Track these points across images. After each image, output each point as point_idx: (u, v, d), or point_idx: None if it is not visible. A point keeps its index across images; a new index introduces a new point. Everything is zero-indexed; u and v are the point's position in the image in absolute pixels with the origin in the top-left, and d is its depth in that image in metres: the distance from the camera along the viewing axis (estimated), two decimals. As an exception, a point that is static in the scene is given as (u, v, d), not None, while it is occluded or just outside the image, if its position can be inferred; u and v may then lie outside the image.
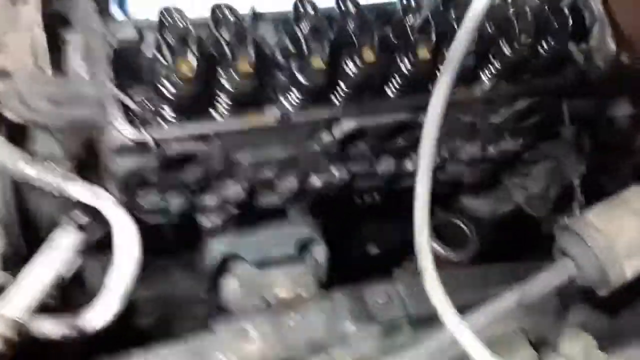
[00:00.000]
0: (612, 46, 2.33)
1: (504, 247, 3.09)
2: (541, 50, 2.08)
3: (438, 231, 2.45)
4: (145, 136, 1.64)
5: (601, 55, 2.34)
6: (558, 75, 2.25)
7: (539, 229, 2.86)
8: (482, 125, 2.25)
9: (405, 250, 3.12)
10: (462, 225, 2.51)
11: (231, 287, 2.20)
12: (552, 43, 2.07)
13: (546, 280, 1.73)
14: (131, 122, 1.65)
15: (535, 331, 2.11)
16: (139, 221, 1.87)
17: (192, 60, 1.58)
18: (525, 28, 1.96)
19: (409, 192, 2.46)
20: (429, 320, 1.98)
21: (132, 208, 1.85)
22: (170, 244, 2.14)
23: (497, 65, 2.07)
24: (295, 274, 2.23)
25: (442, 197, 2.68)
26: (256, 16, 1.83)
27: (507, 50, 2.01)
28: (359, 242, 3.00)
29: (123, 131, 1.63)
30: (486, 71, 2.10)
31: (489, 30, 2.02)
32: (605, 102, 2.30)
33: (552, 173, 2.68)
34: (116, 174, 1.73)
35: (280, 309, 1.97)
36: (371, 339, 1.89)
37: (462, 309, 1.99)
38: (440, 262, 2.44)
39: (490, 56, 2.07)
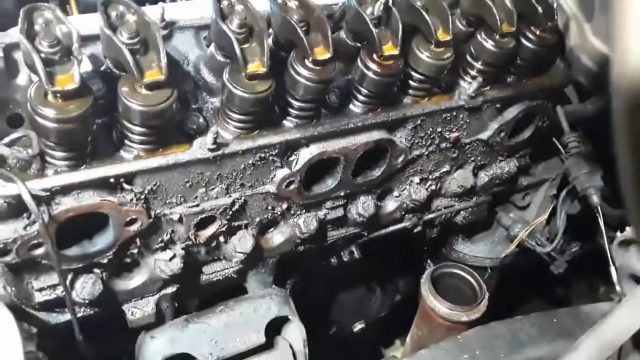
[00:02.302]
0: (595, 42, 2.01)
1: (513, 295, 2.63)
2: (526, 42, 1.71)
3: (439, 286, 1.96)
4: (20, 189, 1.12)
5: (586, 53, 2.00)
6: (545, 76, 1.89)
7: (547, 268, 2.42)
8: (471, 144, 1.83)
9: (395, 323, 2.65)
10: (469, 278, 2.03)
11: (181, 397, 1.61)
12: (538, 32, 1.70)
13: (622, 323, 1.22)
14: (-2, 171, 1.14)
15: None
16: (34, 321, 1.32)
17: (76, 73, 1.11)
18: (506, 15, 1.59)
19: (396, 242, 2.09)
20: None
21: (21, 302, 1.30)
22: (90, 353, 1.54)
23: (478, 65, 1.67)
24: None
25: (432, 243, 2.21)
26: (168, 24, 1.39)
27: (487, 44, 1.63)
28: (339, 316, 2.45)
29: (-14, 185, 1.12)
30: (466, 75, 1.71)
31: (463, 25, 1.64)
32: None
33: (554, 198, 2.27)
34: (-16, 252, 1.19)
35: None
36: None
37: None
38: (451, 324, 2.00)
39: (469, 56, 1.68)
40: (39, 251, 1.25)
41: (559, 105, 2.00)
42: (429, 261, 2.47)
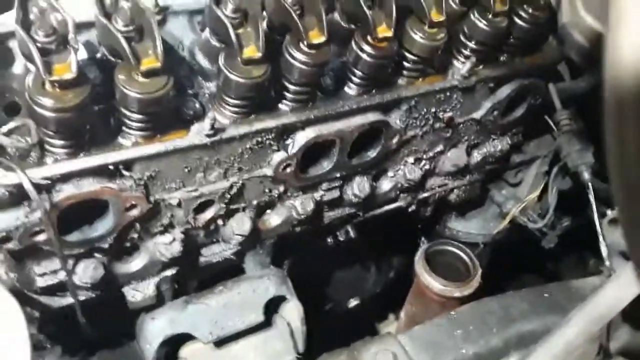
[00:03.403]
0: (587, 19, 2.02)
1: (505, 270, 2.68)
2: (519, 21, 1.72)
3: (432, 263, 2.00)
4: (21, 178, 1.14)
5: (578, 30, 2.01)
6: (538, 54, 1.90)
7: (539, 244, 2.46)
8: (464, 124, 1.85)
9: (389, 299, 2.70)
10: (462, 254, 2.07)
11: (182, 377, 1.65)
12: (530, 10, 1.71)
13: (611, 298, 1.27)
14: (-3, 160, 1.15)
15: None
16: (35, 305, 1.35)
17: (73, 62, 1.11)
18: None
19: (391, 221, 2.12)
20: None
21: (24, 287, 1.32)
22: (91, 335, 1.57)
23: (471, 44, 1.68)
24: (266, 346, 1.70)
25: (426, 221, 2.24)
26: (162, 9, 1.39)
27: (481, 23, 1.64)
28: (334, 293, 2.49)
29: (-14, 175, 1.13)
30: (460, 55, 1.72)
31: (456, 5, 1.64)
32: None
33: (546, 175, 2.30)
34: (-14, 240, 1.21)
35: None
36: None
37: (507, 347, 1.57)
38: (444, 300, 2.04)
39: (462, 36, 1.69)
40: (41, 238, 1.27)
41: (551, 83, 2.02)
42: (422, 239, 2.51)
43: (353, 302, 2.66)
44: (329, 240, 2.00)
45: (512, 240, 2.46)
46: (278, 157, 1.51)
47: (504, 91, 1.86)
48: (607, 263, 1.69)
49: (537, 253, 2.54)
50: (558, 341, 1.25)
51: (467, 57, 1.71)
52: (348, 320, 2.69)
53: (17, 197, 1.20)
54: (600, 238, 1.82)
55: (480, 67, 1.75)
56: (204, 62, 1.43)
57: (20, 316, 1.24)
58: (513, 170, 2.31)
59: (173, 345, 1.68)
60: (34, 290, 1.39)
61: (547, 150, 2.25)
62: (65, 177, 1.22)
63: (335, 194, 1.72)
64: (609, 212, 1.37)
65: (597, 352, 1.66)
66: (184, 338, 1.67)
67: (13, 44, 1.26)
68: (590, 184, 1.98)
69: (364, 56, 1.47)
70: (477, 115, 1.85)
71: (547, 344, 1.26)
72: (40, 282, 1.37)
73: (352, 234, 2.00)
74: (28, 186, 1.15)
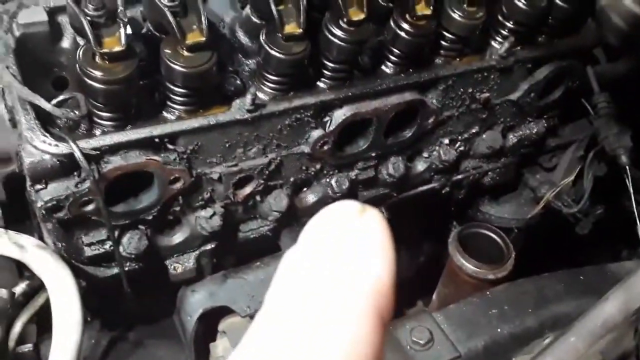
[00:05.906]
0: (626, 1, 2.00)
1: (538, 256, 2.66)
2: (558, 1, 1.71)
3: (466, 246, 2.00)
4: (73, 147, 1.18)
5: (617, 12, 2.00)
6: (576, 36, 1.88)
7: (572, 230, 2.44)
8: (501, 105, 1.84)
9: (418, 284, 2.70)
10: (496, 238, 2.06)
11: (220, 349, 1.69)
12: (570, -9, 1.70)
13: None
14: (49, 131, 1.20)
15: (615, 352, 1.64)
16: (83, 275, 1.40)
17: (122, 35, 1.15)
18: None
19: (424, 204, 2.13)
20: (482, 356, 1.53)
21: (71, 257, 1.37)
22: (134, 304, 1.63)
23: (510, 24, 1.68)
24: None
25: (459, 204, 2.24)
26: (205, -13, 1.41)
27: (519, 3, 1.63)
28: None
29: (39, 144, 1.17)
30: (497, 35, 1.71)
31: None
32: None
33: (581, 160, 2.27)
34: (38, 208, 1.25)
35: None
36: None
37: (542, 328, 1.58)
38: (477, 282, 2.05)
39: (500, 16, 1.69)
40: (89, 207, 1.31)
41: (589, 66, 2.00)
42: (454, 223, 2.51)
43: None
44: (362, 220, 2.01)
45: (545, 225, 2.44)
46: (316, 134, 1.53)
47: (542, 72, 1.85)
48: (645, 245, 1.67)
49: (571, 240, 2.52)
50: (597, 316, 1.26)
51: (505, 37, 1.71)
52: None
53: (67, 167, 1.25)
54: (638, 222, 1.80)
55: (518, 47, 1.75)
56: (244, 39, 1.46)
57: (73, 285, 1.29)
58: (548, 154, 2.29)
59: (211, 319, 1.72)
60: (81, 260, 1.45)
61: (582, 134, 2.23)
62: (113, 149, 1.27)
63: (371, 173, 1.74)
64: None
65: (633, 336, 1.65)
66: (222, 312, 1.71)
67: (61, 19, 1.30)
68: (627, 168, 1.97)
69: (402, 34, 1.48)
70: (513, 96, 1.85)
71: (586, 319, 1.26)
72: (88, 252, 1.42)
73: (384, 215, 2.02)
74: (79, 155, 1.19)
